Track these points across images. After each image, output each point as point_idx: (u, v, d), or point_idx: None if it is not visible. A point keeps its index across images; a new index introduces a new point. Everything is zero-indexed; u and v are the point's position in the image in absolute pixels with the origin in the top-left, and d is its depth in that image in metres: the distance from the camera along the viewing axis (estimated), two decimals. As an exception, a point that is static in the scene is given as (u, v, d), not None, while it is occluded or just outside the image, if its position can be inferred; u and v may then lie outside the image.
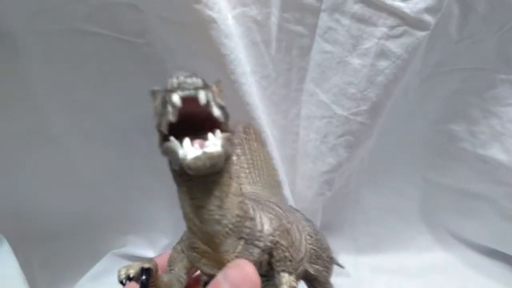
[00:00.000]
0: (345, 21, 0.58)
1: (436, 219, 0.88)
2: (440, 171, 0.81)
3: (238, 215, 0.29)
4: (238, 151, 0.40)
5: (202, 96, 0.24)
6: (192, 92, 0.24)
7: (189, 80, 0.24)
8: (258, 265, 0.31)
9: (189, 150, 0.24)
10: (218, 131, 0.25)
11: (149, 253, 0.82)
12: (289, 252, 0.32)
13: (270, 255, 0.31)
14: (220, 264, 0.30)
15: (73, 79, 0.60)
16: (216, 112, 0.25)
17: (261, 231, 0.31)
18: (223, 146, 0.24)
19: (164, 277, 0.32)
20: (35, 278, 0.80)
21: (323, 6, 0.58)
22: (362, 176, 0.78)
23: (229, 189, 0.29)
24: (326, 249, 0.42)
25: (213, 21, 0.52)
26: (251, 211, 0.31)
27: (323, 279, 0.42)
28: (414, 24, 0.55)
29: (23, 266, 0.77)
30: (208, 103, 0.24)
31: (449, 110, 0.73)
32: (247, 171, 0.41)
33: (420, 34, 0.56)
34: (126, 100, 0.63)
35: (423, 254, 0.85)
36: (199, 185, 0.27)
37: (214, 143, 0.24)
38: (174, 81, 0.24)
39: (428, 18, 0.55)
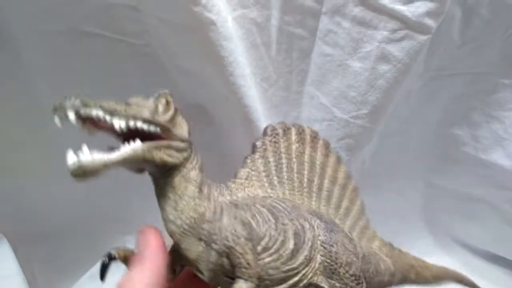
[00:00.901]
0: (346, 24, 0.58)
1: (437, 223, 0.87)
2: (442, 175, 0.80)
3: (192, 217, 0.33)
4: (257, 154, 0.40)
5: (71, 116, 0.27)
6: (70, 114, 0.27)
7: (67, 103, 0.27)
8: (222, 267, 0.33)
9: (70, 157, 0.27)
10: (137, 140, 0.30)
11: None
12: (244, 258, 0.33)
13: (229, 259, 0.33)
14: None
15: (73, 80, 0.60)
16: (116, 125, 0.29)
17: (217, 234, 0.33)
18: (114, 156, 0.28)
19: None
20: (35, 278, 0.80)
21: (323, 9, 0.58)
22: (364, 179, 0.78)
23: (184, 192, 0.33)
24: (346, 264, 0.38)
25: (212, 23, 0.51)
26: (208, 214, 0.33)
27: None
28: (416, 28, 0.55)
29: (22, 265, 0.78)
30: (103, 119, 0.28)
31: (452, 114, 0.72)
32: (264, 174, 0.40)
33: (422, 38, 0.55)
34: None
35: (424, 258, 0.85)
36: (157, 187, 0.34)
37: (86, 152, 0.27)
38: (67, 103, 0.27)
39: (429, 22, 0.54)
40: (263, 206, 0.37)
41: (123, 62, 0.60)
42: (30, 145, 0.67)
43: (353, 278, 0.38)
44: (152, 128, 0.31)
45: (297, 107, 0.68)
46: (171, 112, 0.33)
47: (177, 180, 0.33)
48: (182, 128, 0.34)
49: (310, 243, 0.37)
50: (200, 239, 0.33)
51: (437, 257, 0.86)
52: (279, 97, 0.68)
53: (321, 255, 0.37)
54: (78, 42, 0.57)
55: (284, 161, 0.41)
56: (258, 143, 0.41)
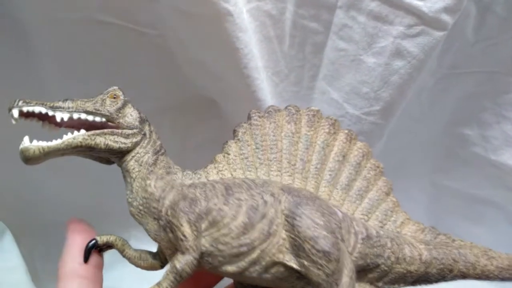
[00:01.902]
0: (361, 18, 0.58)
1: (443, 223, 0.86)
2: (450, 175, 0.80)
3: (144, 197, 0.36)
4: (235, 139, 0.41)
5: (15, 113, 0.34)
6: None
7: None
8: (172, 244, 0.36)
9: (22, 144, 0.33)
10: (81, 130, 0.35)
11: (153, 248, 0.81)
12: (180, 231, 0.34)
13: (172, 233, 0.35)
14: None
15: (85, 68, 0.60)
16: (58, 118, 0.34)
17: (160, 211, 0.36)
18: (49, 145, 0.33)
19: (133, 251, 0.40)
20: (36, 270, 0.79)
21: (339, 3, 0.57)
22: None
23: (138, 175, 0.37)
24: (311, 239, 0.35)
25: (228, 14, 0.51)
26: (158, 193, 0.36)
27: (317, 278, 0.35)
28: (432, 24, 0.55)
29: (24, 257, 0.77)
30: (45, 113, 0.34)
31: (462, 113, 0.72)
32: (241, 157, 0.41)
33: (438, 34, 0.55)
34: (136, 91, 0.63)
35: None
36: (122, 174, 0.38)
37: (26, 141, 0.33)
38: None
39: (446, 18, 0.54)
40: (220, 183, 0.38)
41: (135, 51, 0.60)
42: (37, 134, 0.67)
43: (321, 254, 0.34)
44: (97, 119, 0.36)
45: (308, 103, 0.68)
46: (118, 104, 0.37)
47: (131, 164, 0.37)
48: (131, 117, 0.38)
49: (270, 217, 0.36)
50: (154, 218, 0.36)
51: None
52: (290, 92, 0.67)
53: (286, 230, 0.36)
54: (91, 31, 0.57)
55: (268, 143, 0.41)
56: (238, 128, 0.42)
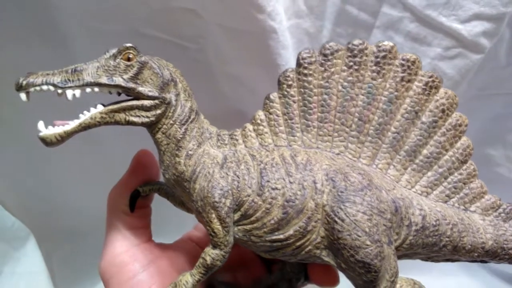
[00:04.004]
0: (399, 39, 0.58)
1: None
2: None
3: (174, 174, 0.34)
4: (279, 93, 0.35)
5: (22, 97, 0.30)
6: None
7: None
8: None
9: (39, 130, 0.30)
10: (99, 105, 0.32)
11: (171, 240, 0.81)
12: (210, 226, 0.32)
13: None
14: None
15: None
16: (69, 95, 0.30)
17: (193, 195, 0.33)
18: (63, 130, 0.30)
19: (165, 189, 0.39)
20: (54, 274, 0.79)
21: (377, 23, 0.58)
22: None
23: (166, 148, 0.34)
24: (352, 248, 0.30)
25: (273, 31, 0.52)
26: (188, 173, 0.33)
27: (353, 280, 0.32)
28: (470, 47, 0.56)
29: (45, 262, 0.77)
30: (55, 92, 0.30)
31: (488, 133, 0.72)
32: (284, 117, 0.35)
33: (475, 57, 0.56)
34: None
35: (446, 279, 0.84)
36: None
37: (42, 128, 0.30)
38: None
39: (484, 41, 0.55)
40: (256, 165, 0.33)
41: (174, 64, 0.60)
42: (64, 145, 0.67)
43: (360, 264, 0.30)
44: (113, 90, 0.32)
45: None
46: (134, 68, 0.32)
47: (159, 137, 0.34)
48: (152, 82, 0.33)
49: (309, 213, 0.32)
50: (187, 193, 0.34)
51: (456, 277, 0.86)
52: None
53: (325, 229, 0.32)
54: (134, 43, 0.57)
55: (319, 97, 0.34)
56: (283, 78, 0.35)
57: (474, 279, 0.86)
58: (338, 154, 0.35)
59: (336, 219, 0.31)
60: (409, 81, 0.34)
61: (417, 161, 0.35)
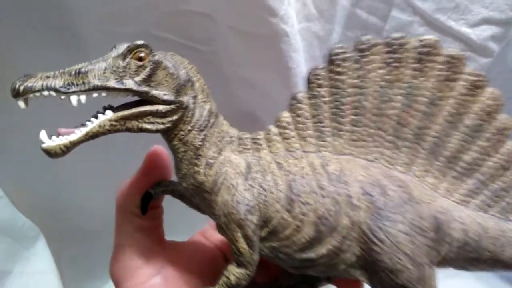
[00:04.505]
0: (408, 42, 0.59)
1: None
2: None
3: (193, 183, 0.31)
4: (307, 92, 0.32)
5: (21, 105, 0.27)
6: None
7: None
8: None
9: (41, 140, 0.27)
10: (108, 112, 0.28)
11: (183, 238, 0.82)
12: (234, 245, 0.30)
13: None
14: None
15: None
16: (74, 101, 0.27)
17: (214, 209, 0.30)
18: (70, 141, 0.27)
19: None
20: (62, 274, 0.80)
21: (386, 27, 0.59)
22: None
23: (184, 156, 0.31)
24: (392, 272, 0.28)
25: (285, 34, 0.53)
26: (208, 184, 0.30)
27: None
28: (479, 51, 0.56)
29: (55, 261, 0.78)
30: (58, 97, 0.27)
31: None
32: (313, 120, 0.32)
33: (483, 60, 0.57)
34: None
35: (452, 281, 0.85)
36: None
37: (44, 138, 0.27)
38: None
39: (493, 45, 0.56)
40: (284, 175, 0.30)
41: None
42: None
43: (395, 284, 0.28)
44: (123, 95, 0.29)
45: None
46: (147, 69, 0.29)
47: (175, 143, 0.31)
48: (167, 84, 0.29)
49: (343, 232, 0.29)
50: (207, 203, 0.31)
51: (465, 279, 0.86)
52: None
53: (361, 248, 0.29)
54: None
55: (353, 98, 0.31)
56: (312, 76, 0.31)
57: (481, 282, 0.86)
58: (372, 161, 0.32)
59: (375, 240, 0.28)
60: (454, 80, 0.30)
61: (457, 168, 0.32)
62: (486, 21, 0.55)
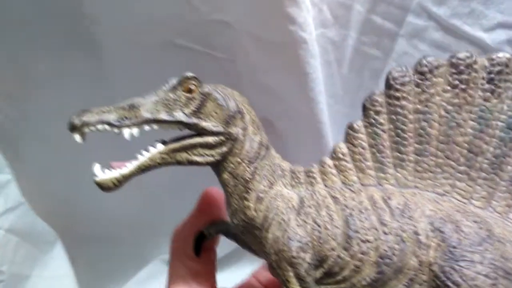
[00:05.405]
0: (423, 47, 0.60)
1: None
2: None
3: (243, 220, 0.30)
4: (364, 121, 0.30)
5: (77, 138, 0.27)
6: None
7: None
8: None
9: (94, 174, 0.28)
10: (158, 145, 0.28)
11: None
12: (285, 286, 0.28)
13: None
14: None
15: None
16: (127, 135, 0.27)
17: (265, 246, 0.29)
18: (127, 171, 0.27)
19: None
20: (80, 279, 0.80)
21: (402, 32, 0.60)
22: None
23: (234, 190, 0.30)
24: None
25: (304, 41, 0.54)
26: (258, 220, 0.29)
27: None
28: (494, 55, 0.57)
29: (72, 266, 0.78)
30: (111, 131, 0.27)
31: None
32: (372, 150, 0.29)
33: (499, 65, 0.57)
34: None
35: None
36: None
37: (98, 172, 0.28)
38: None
39: (508, 49, 0.56)
40: (340, 210, 0.28)
41: (206, 74, 0.61)
42: (90, 151, 0.68)
43: None
44: (174, 127, 0.29)
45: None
46: (196, 101, 0.28)
47: (225, 177, 0.30)
48: (216, 117, 0.29)
49: (410, 273, 0.26)
50: (257, 241, 0.30)
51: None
52: (342, 113, 0.69)
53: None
54: (168, 55, 0.59)
55: (415, 125, 0.29)
56: (368, 103, 0.29)
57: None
58: (443, 195, 0.29)
59: (449, 283, 0.25)
60: None
61: None
62: (501, 25, 0.56)
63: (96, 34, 0.57)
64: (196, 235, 0.35)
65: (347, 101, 0.68)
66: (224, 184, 0.30)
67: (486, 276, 0.25)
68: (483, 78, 0.28)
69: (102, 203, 0.74)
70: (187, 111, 0.28)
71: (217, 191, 0.35)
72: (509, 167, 0.28)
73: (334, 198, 0.29)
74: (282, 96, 0.62)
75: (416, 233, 0.26)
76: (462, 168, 0.28)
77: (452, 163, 0.28)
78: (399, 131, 0.29)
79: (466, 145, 0.28)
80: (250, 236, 0.30)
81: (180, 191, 0.75)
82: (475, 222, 0.27)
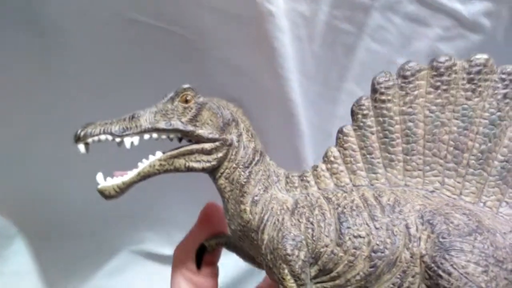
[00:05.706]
0: (398, 20, 0.57)
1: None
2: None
3: (240, 224, 0.31)
4: (353, 125, 0.31)
5: (81, 148, 0.29)
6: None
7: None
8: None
9: (97, 182, 0.29)
10: (158, 152, 0.30)
11: (166, 250, 0.80)
12: (282, 284, 0.28)
13: None
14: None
15: (112, 68, 0.58)
16: (128, 143, 0.29)
17: (261, 248, 0.30)
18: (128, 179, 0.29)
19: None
20: (45, 273, 0.77)
21: (375, 4, 0.57)
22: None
23: (230, 195, 0.31)
24: None
25: (270, 14, 0.51)
26: (254, 222, 0.30)
27: None
28: (470, 27, 0.55)
29: (35, 261, 0.75)
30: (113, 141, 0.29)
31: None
32: (362, 152, 0.31)
33: (475, 37, 0.56)
34: (157, 88, 0.62)
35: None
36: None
37: (100, 180, 0.29)
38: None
39: (484, 21, 0.55)
40: (333, 208, 0.29)
41: (163, 50, 0.59)
42: (53, 140, 0.65)
43: None
44: (172, 135, 0.31)
45: (333, 103, 0.67)
46: (192, 110, 0.30)
47: (221, 182, 0.32)
48: (212, 124, 0.31)
49: (403, 266, 0.27)
50: (255, 246, 0.31)
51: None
52: (315, 92, 0.67)
53: (427, 286, 0.26)
54: (120, 30, 0.55)
55: (401, 126, 0.30)
56: (356, 107, 0.31)
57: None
58: (433, 191, 0.29)
59: (441, 272, 0.25)
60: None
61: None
62: (478, -4, 0.54)
63: (45, 10, 0.53)
64: (197, 248, 0.36)
65: (319, 79, 0.65)
66: (221, 190, 0.32)
67: (476, 263, 0.25)
68: (463, 79, 0.29)
69: (66, 196, 0.72)
70: (184, 119, 0.30)
71: (217, 206, 0.36)
72: (495, 162, 0.29)
73: (327, 198, 0.30)
74: (250, 73, 0.59)
75: (407, 226, 0.27)
76: (450, 165, 0.29)
77: (440, 160, 0.29)
78: (386, 132, 0.30)
79: (452, 142, 0.29)
80: (248, 241, 0.31)
81: (147, 181, 0.72)
82: (464, 214, 0.27)
